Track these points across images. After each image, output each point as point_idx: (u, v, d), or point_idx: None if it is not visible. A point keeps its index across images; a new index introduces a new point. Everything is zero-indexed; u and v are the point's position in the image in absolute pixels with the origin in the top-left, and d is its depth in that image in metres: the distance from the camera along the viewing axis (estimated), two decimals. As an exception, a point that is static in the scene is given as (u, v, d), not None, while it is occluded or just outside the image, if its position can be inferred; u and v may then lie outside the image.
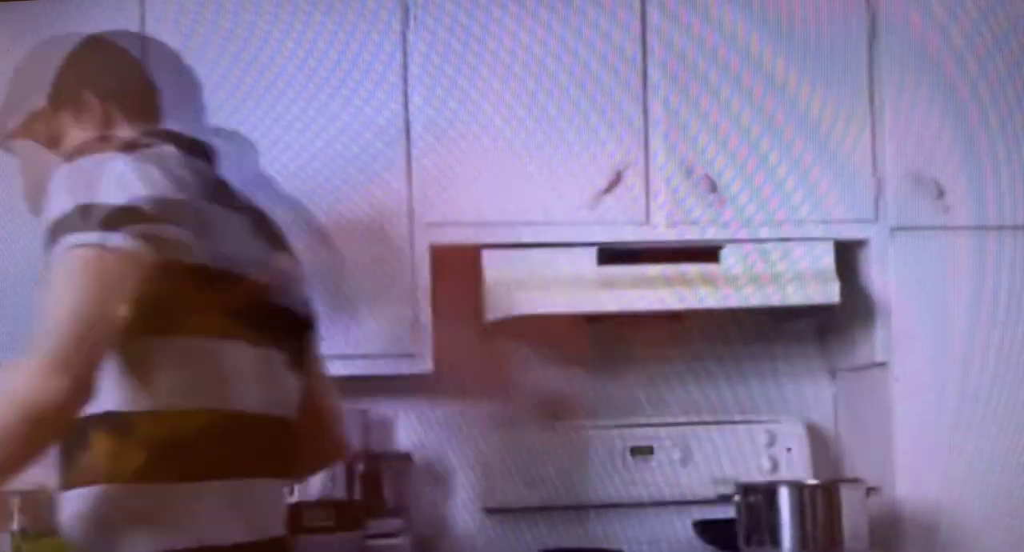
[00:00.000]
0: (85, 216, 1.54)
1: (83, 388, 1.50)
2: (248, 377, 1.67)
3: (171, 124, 1.85)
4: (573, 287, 2.66)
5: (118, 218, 1.55)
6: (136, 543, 1.59)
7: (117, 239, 1.53)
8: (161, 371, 1.59)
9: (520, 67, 2.67)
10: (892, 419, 2.74)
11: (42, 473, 2.71)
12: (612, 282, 2.67)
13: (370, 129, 2.64)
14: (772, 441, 2.92)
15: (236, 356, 1.66)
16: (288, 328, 1.80)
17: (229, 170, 1.85)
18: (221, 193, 1.76)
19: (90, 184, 1.57)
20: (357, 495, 2.72)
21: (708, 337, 3.02)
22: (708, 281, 2.69)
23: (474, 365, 2.94)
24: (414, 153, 2.65)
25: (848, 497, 2.52)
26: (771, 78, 2.75)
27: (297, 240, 1.91)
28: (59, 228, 1.56)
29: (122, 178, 1.58)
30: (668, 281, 2.69)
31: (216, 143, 1.86)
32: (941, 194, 2.76)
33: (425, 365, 2.64)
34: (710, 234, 2.72)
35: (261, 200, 1.86)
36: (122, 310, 1.53)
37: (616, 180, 2.69)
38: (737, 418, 2.96)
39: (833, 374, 3.07)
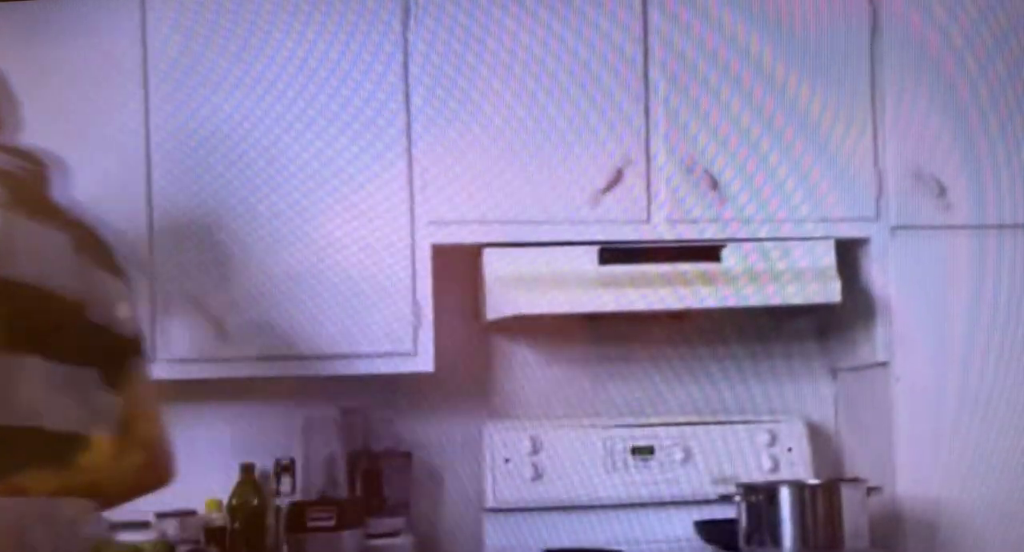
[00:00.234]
0: None
1: None
2: (39, 393, 1.64)
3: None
4: (574, 286, 2.66)
5: None
6: None
7: None
8: None
9: (520, 67, 2.68)
10: (893, 418, 2.74)
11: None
12: (613, 281, 2.67)
13: (370, 128, 2.64)
14: (773, 441, 2.92)
15: (29, 371, 1.62)
16: (104, 347, 1.75)
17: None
18: (41, 209, 1.74)
19: None
20: (358, 494, 2.72)
21: (709, 336, 3.02)
22: (709, 280, 2.70)
23: (475, 364, 2.94)
24: (415, 152, 2.65)
25: (849, 496, 2.52)
26: (772, 77, 2.75)
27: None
28: None
29: None
30: (669, 280, 2.69)
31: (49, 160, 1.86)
32: (942, 193, 2.76)
33: (426, 364, 2.64)
34: (711, 233, 2.73)
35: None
36: None
37: (616, 179, 2.69)
38: (738, 418, 2.96)
39: (834, 373, 3.07)
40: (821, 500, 2.52)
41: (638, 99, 2.71)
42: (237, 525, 2.72)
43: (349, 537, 2.54)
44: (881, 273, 2.78)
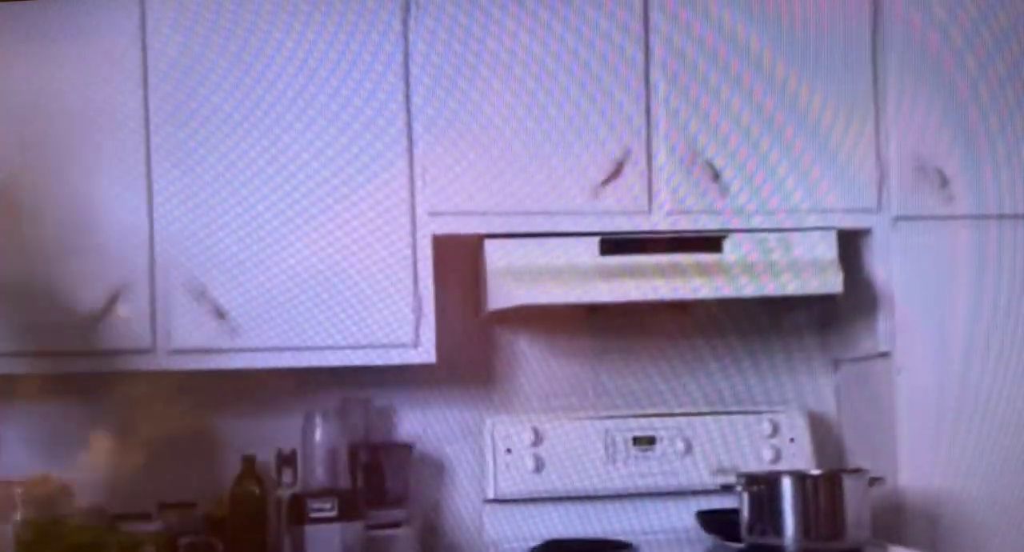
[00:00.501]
0: None
1: None
2: None
3: None
4: (575, 277, 2.66)
5: None
6: None
7: None
8: None
9: (522, 56, 2.67)
10: (894, 409, 2.74)
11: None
12: (614, 272, 2.67)
13: (371, 121, 2.64)
14: (775, 431, 2.92)
15: None
16: None
17: None
18: None
19: None
20: (359, 485, 2.72)
21: (710, 327, 3.02)
22: (710, 272, 2.69)
23: (476, 355, 2.94)
24: (416, 144, 2.65)
25: (851, 487, 2.52)
26: (774, 69, 2.74)
27: None
28: None
29: None
30: (670, 272, 2.68)
31: None
32: (944, 183, 2.76)
33: (427, 355, 2.64)
34: (712, 224, 2.72)
35: None
36: None
37: (618, 170, 2.69)
38: (740, 408, 2.96)
39: (836, 364, 3.07)
40: (823, 491, 2.52)
41: (639, 90, 2.71)
42: (238, 516, 2.72)
43: (350, 528, 2.54)
44: (883, 264, 2.78)
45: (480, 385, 2.96)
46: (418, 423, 2.93)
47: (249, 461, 2.76)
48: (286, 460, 2.73)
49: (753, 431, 2.91)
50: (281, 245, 2.61)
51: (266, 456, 2.78)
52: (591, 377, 3.01)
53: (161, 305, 2.58)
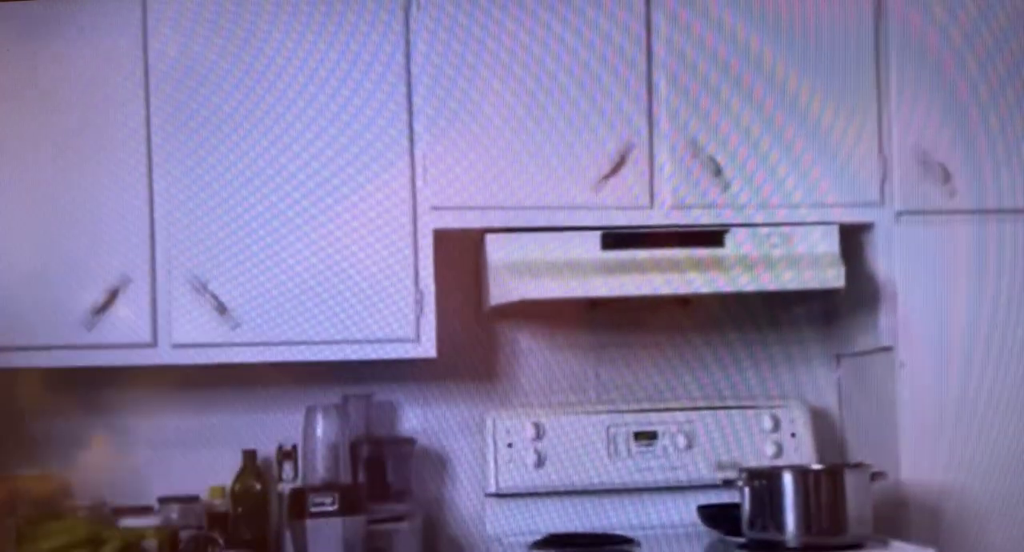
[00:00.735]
0: None
1: None
2: None
3: None
4: (577, 272, 2.65)
5: None
6: None
7: None
8: None
9: (524, 51, 2.67)
10: (897, 404, 2.74)
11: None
12: (616, 267, 2.67)
13: (372, 116, 2.64)
14: (776, 426, 2.91)
15: None
16: None
17: None
18: None
19: None
20: (361, 480, 2.72)
21: (712, 322, 3.02)
22: (712, 266, 2.69)
23: (478, 350, 2.94)
24: (417, 138, 2.65)
25: (852, 482, 2.51)
26: (777, 63, 2.74)
27: None
28: None
29: None
30: (672, 265, 2.68)
31: None
32: (947, 178, 2.75)
33: (429, 349, 2.64)
34: (714, 219, 2.72)
35: None
36: None
37: (619, 164, 2.69)
38: (742, 403, 2.96)
39: (838, 359, 3.06)
40: (825, 485, 2.52)
41: (641, 84, 2.70)
42: (240, 511, 2.73)
43: (351, 523, 2.53)
44: (885, 258, 2.77)
45: (481, 380, 2.96)
46: (419, 418, 2.94)
47: (250, 456, 2.77)
48: (287, 455, 2.74)
49: (754, 426, 2.91)
50: (282, 240, 2.61)
51: (267, 451, 2.79)
52: (592, 372, 3.01)
53: (162, 300, 2.58)
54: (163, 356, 2.59)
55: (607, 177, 2.68)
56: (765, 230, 2.72)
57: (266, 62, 2.61)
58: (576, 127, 2.68)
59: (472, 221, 2.67)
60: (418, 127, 2.65)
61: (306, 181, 2.62)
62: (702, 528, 2.77)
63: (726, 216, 2.72)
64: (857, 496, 2.50)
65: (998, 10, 2.79)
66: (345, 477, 2.61)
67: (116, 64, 2.58)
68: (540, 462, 2.84)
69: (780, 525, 2.49)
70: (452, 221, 2.66)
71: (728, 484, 2.65)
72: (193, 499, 2.74)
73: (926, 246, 2.75)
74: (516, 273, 2.64)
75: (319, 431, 2.62)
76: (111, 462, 2.81)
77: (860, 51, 2.76)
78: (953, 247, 2.74)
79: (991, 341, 2.73)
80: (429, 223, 2.65)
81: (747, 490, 2.53)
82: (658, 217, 2.71)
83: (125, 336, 2.57)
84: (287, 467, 2.73)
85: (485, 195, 2.66)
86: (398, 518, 2.72)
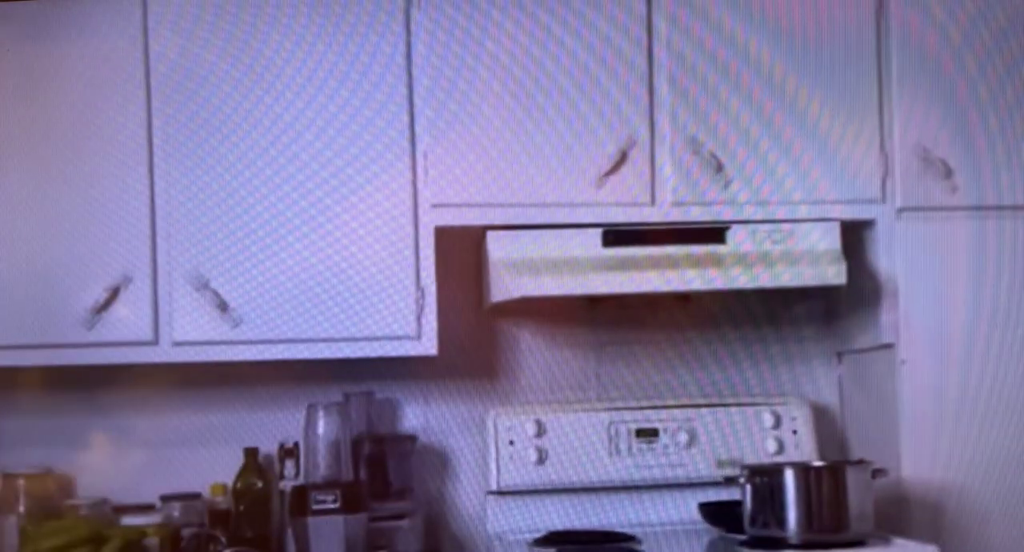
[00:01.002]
0: None
1: None
2: None
3: None
4: (577, 269, 2.65)
5: None
6: None
7: None
8: None
9: (525, 47, 2.67)
10: (898, 400, 2.74)
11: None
12: (617, 264, 2.66)
13: (373, 112, 2.63)
14: (778, 423, 2.91)
15: None
16: None
17: None
18: None
19: None
20: (362, 477, 2.72)
21: (713, 319, 3.02)
22: (713, 262, 2.69)
23: (479, 347, 2.94)
24: (418, 135, 2.65)
25: (854, 479, 2.51)
26: (778, 57, 2.74)
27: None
28: None
29: None
30: (673, 262, 2.68)
31: None
32: (948, 174, 2.75)
33: (430, 347, 2.64)
34: (715, 215, 2.72)
35: None
36: None
37: (621, 160, 2.69)
38: (743, 400, 2.96)
39: (839, 356, 3.06)
40: (826, 482, 2.51)
41: (643, 80, 2.70)
42: (241, 508, 2.73)
43: (353, 520, 2.54)
44: (887, 255, 2.77)
45: (483, 377, 2.96)
46: (421, 415, 2.94)
47: (252, 454, 2.77)
48: (289, 453, 2.74)
49: (756, 423, 2.91)
50: (284, 238, 2.61)
51: (269, 449, 2.79)
52: (594, 369, 3.01)
53: (163, 298, 2.58)
54: (164, 354, 2.59)
55: (608, 174, 2.68)
56: (766, 227, 2.72)
57: (266, 63, 2.61)
58: (577, 125, 2.68)
59: (473, 218, 2.67)
60: (419, 127, 2.64)
61: (307, 179, 2.62)
62: (703, 525, 2.77)
63: (727, 213, 2.71)
64: (858, 493, 2.50)
65: (998, 8, 2.78)
66: (346, 475, 2.61)
67: (116, 64, 2.58)
68: (541, 460, 2.84)
69: (782, 522, 2.49)
70: (453, 218, 2.65)
71: (729, 481, 2.65)
72: (195, 497, 2.74)
73: (927, 243, 2.75)
74: (517, 270, 2.63)
75: (320, 429, 2.62)
76: (113, 460, 2.81)
77: (861, 49, 2.76)
78: (954, 244, 2.74)
79: (992, 338, 2.72)
80: (430, 220, 2.65)
81: (748, 487, 2.53)
82: (659, 214, 2.70)
83: (126, 334, 2.57)
84: (289, 465, 2.73)
85: (486, 192, 2.66)
86: (399, 516, 2.72)
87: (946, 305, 2.73)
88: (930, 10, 2.76)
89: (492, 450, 2.84)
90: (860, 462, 2.60)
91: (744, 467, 2.58)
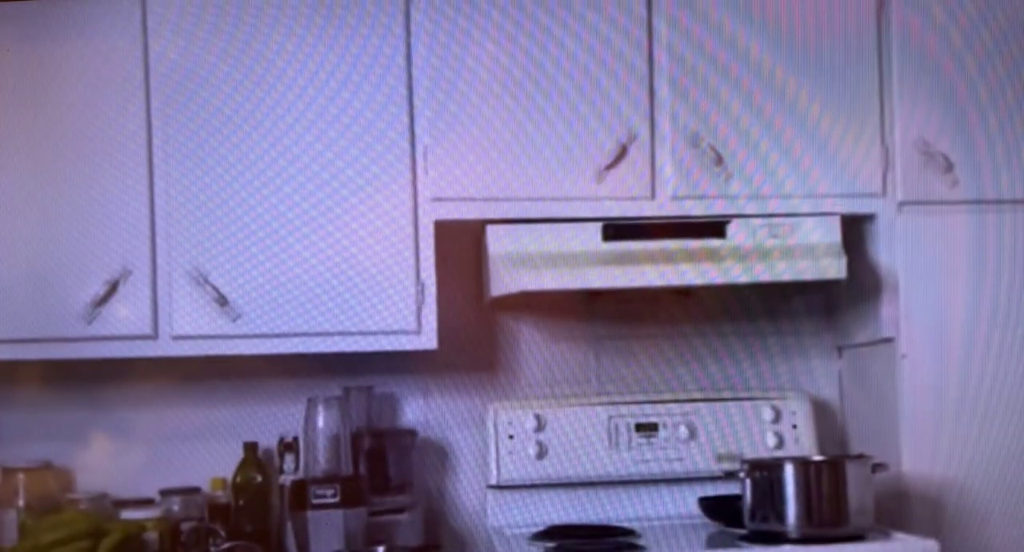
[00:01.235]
0: None
1: None
2: None
3: None
4: (577, 263, 2.65)
5: None
6: None
7: None
8: None
9: (527, 40, 2.66)
10: (898, 395, 2.74)
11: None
12: (617, 258, 2.66)
13: (373, 106, 2.63)
14: (778, 417, 2.91)
15: None
16: None
17: None
18: None
19: None
20: (362, 472, 2.72)
21: (713, 313, 3.02)
22: (713, 256, 2.68)
23: (479, 341, 2.94)
24: (418, 129, 2.65)
25: (854, 473, 2.51)
26: (778, 52, 2.73)
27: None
28: None
29: None
30: (673, 257, 2.67)
31: None
32: (949, 168, 2.74)
33: (430, 341, 2.64)
34: (716, 209, 2.71)
35: None
36: None
37: (621, 155, 2.68)
38: (743, 394, 2.96)
39: (839, 350, 3.06)
40: (826, 477, 2.51)
41: (643, 82, 2.70)
42: (241, 502, 2.73)
43: (352, 514, 2.54)
44: (887, 249, 2.77)
45: (482, 371, 2.96)
46: (420, 410, 2.94)
47: (251, 448, 2.77)
48: (288, 447, 2.74)
49: (755, 417, 2.91)
50: (283, 233, 2.61)
51: (269, 443, 2.79)
52: (594, 363, 3.01)
53: (163, 292, 2.58)
54: (163, 348, 2.59)
55: (608, 168, 2.68)
56: (766, 222, 2.71)
57: (266, 63, 2.61)
58: (576, 121, 2.67)
59: (473, 212, 2.66)
60: (418, 127, 2.64)
61: (307, 176, 2.62)
62: (703, 520, 2.77)
63: (727, 206, 2.71)
64: (858, 487, 2.50)
65: (998, 8, 2.78)
66: (346, 469, 2.61)
67: (116, 65, 2.58)
68: (541, 454, 2.84)
69: (781, 516, 2.49)
70: (452, 213, 2.65)
71: (729, 476, 2.66)
72: (194, 491, 2.74)
73: (928, 237, 2.74)
74: (517, 265, 2.63)
75: (320, 423, 2.62)
76: (112, 454, 2.82)
77: (861, 48, 2.75)
78: (955, 238, 2.74)
79: (993, 332, 2.72)
80: (430, 214, 2.64)
81: (748, 482, 2.53)
82: (659, 209, 2.70)
83: (125, 328, 2.57)
84: (288, 459, 2.73)
85: (486, 187, 2.65)
86: (399, 510, 2.72)
87: (947, 299, 2.73)
88: (930, 10, 2.76)
89: (492, 444, 2.84)
90: (860, 457, 2.60)
91: (744, 461, 2.58)
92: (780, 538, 2.48)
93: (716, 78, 2.71)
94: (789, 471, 2.51)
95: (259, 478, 2.75)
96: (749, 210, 2.71)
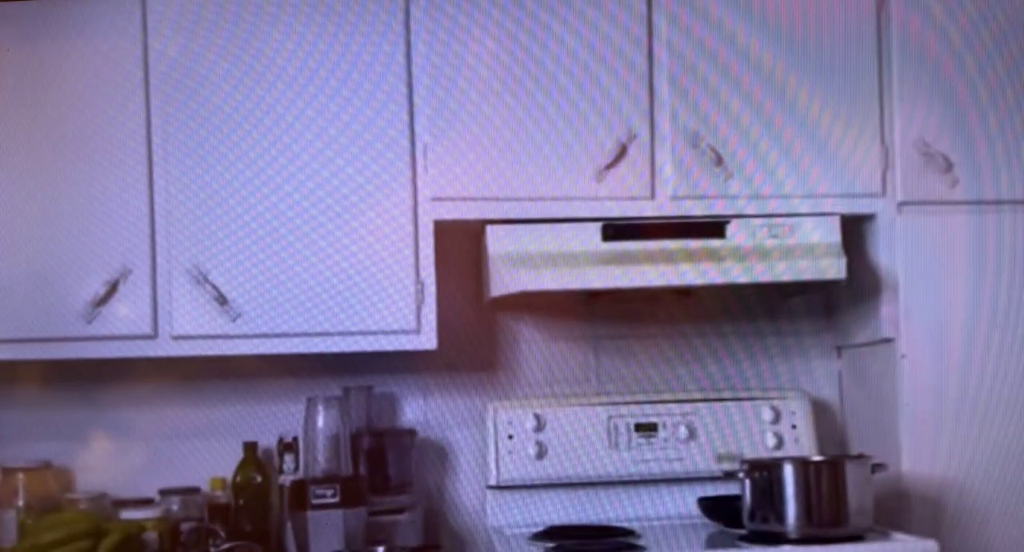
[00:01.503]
0: None
1: None
2: None
3: None
4: (577, 263, 2.65)
5: None
6: None
7: None
8: None
9: (526, 38, 2.66)
10: (898, 395, 2.73)
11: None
12: (616, 258, 2.66)
13: (374, 113, 2.63)
14: (777, 418, 2.91)
15: None
16: None
17: None
18: None
19: None
20: (362, 472, 2.72)
21: (713, 313, 3.02)
22: (713, 257, 2.68)
23: (478, 341, 2.94)
24: (418, 129, 2.65)
25: (853, 473, 2.51)
26: (778, 51, 2.73)
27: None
28: None
29: None
30: (673, 257, 2.67)
31: None
32: (949, 168, 2.74)
33: (429, 341, 2.64)
34: (715, 209, 2.71)
35: None
36: None
37: (620, 155, 2.68)
38: (742, 395, 2.96)
39: (839, 350, 3.06)
40: (825, 477, 2.51)
41: (643, 79, 2.70)
42: (241, 502, 2.73)
43: (352, 514, 2.54)
44: (887, 250, 2.77)
45: (482, 371, 2.96)
46: (420, 409, 2.94)
47: (251, 448, 2.77)
48: (288, 447, 2.74)
49: (755, 418, 2.91)
50: (283, 231, 2.61)
51: (268, 443, 2.79)
52: (593, 363, 3.01)
53: (162, 291, 2.58)
54: (163, 348, 2.59)
55: (608, 168, 2.68)
56: (766, 222, 2.71)
57: (266, 61, 2.61)
58: (576, 120, 2.67)
59: (472, 212, 2.66)
60: (418, 125, 2.64)
61: (307, 175, 2.62)
62: (702, 520, 2.76)
63: (727, 206, 2.71)
64: (858, 488, 2.50)
65: (998, 8, 2.78)
66: (346, 469, 2.61)
67: (116, 64, 2.58)
68: (541, 454, 2.84)
69: (781, 517, 2.49)
70: (452, 212, 2.65)
71: (729, 476, 2.65)
72: (194, 491, 2.74)
73: (928, 237, 2.74)
74: (516, 264, 2.63)
75: (320, 423, 2.62)
76: (112, 454, 2.82)
77: (861, 47, 2.75)
78: (955, 238, 2.73)
79: (992, 332, 2.72)
80: (429, 214, 2.64)
81: (748, 482, 2.53)
82: (659, 209, 2.70)
83: (125, 328, 2.57)
84: (288, 459, 2.73)
85: (485, 187, 2.65)
86: (399, 510, 2.72)
87: (946, 299, 2.73)
88: (930, 10, 2.75)
89: (491, 444, 2.84)
90: (859, 457, 2.60)
91: (743, 461, 2.58)
92: (779, 538, 2.48)
93: (716, 77, 2.71)
94: (789, 471, 2.51)
95: (259, 478, 2.75)
96: (749, 210, 2.71)
